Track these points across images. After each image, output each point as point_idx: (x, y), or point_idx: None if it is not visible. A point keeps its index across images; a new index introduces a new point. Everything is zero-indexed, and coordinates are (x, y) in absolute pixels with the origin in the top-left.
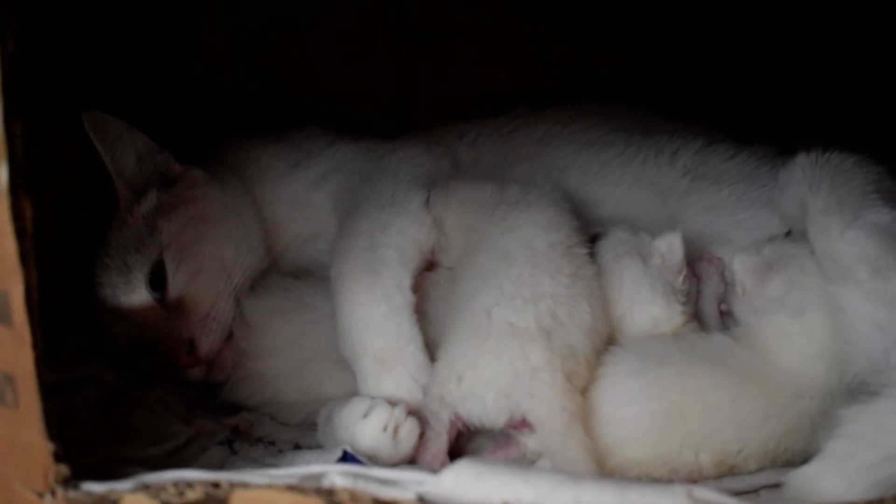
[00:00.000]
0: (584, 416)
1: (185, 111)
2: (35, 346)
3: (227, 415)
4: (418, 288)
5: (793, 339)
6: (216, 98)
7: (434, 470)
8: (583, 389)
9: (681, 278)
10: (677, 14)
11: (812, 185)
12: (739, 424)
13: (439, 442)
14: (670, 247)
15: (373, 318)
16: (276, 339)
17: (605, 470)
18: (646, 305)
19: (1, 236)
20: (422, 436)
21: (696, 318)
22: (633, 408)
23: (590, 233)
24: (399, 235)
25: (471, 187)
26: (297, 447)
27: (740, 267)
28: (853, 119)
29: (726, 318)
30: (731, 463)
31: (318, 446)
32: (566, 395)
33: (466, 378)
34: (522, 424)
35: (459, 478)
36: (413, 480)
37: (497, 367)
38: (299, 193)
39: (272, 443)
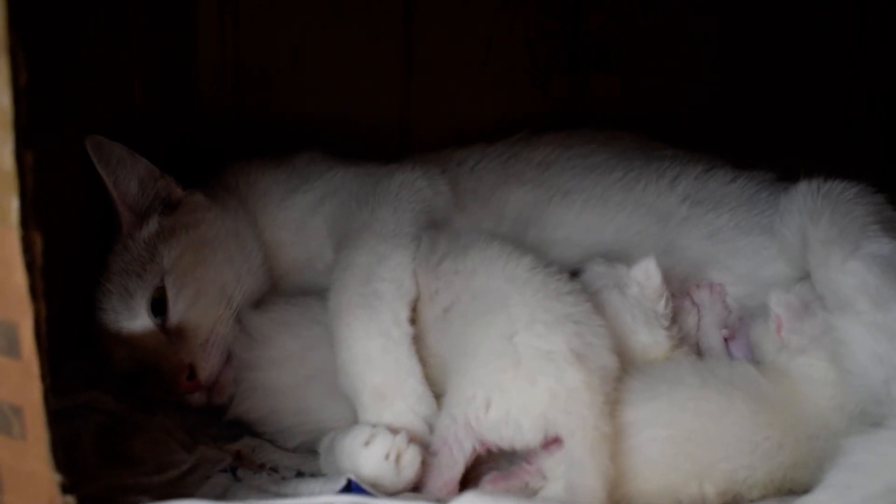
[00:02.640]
0: (615, 446)
1: (187, 146)
2: (43, 378)
3: (229, 441)
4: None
5: (825, 383)
6: (218, 128)
7: (442, 499)
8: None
9: (662, 303)
10: (678, 40)
11: (812, 215)
12: (751, 451)
13: (455, 470)
14: (647, 273)
15: (370, 352)
16: (281, 351)
17: (611, 502)
18: (630, 335)
19: (11, 269)
20: (424, 463)
21: (697, 344)
22: (641, 436)
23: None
24: (396, 269)
25: (421, 250)
26: (300, 474)
27: (778, 303)
28: (860, 118)
29: (731, 345)
30: (736, 491)
31: (320, 473)
32: (602, 417)
33: (497, 404)
34: (555, 441)
35: None
36: None
37: (533, 391)
38: (298, 217)
39: (275, 469)
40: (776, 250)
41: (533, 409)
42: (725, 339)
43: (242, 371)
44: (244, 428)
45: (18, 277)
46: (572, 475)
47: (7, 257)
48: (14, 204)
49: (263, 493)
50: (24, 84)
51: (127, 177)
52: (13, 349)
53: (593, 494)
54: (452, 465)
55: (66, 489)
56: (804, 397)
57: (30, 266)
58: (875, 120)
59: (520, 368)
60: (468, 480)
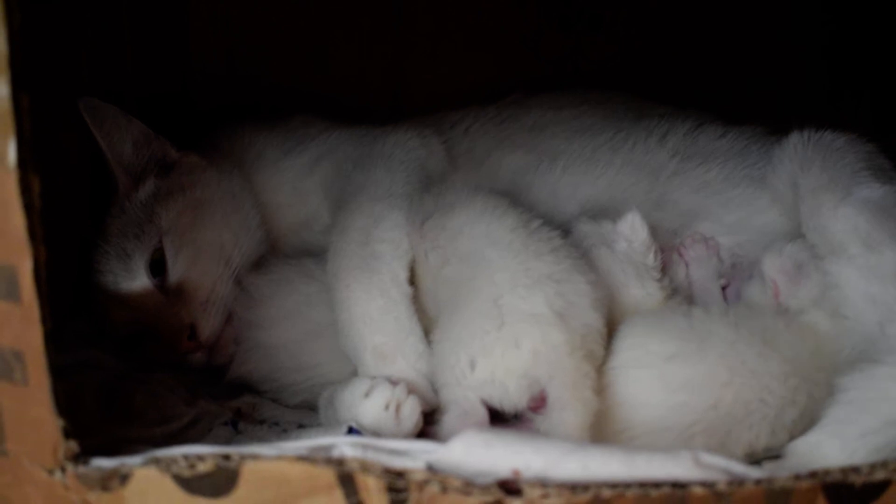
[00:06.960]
0: (599, 389)
1: (181, 100)
2: (44, 321)
3: (229, 398)
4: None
5: (830, 337)
6: (211, 89)
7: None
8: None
9: (651, 255)
10: (670, 1)
11: (803, 163)
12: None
13: (478, 416)
14: (632, 227)
15: (370, 313)
16: (280, 309)
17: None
18: (622, 289)
19: (9, 211)
20: (423, 415)
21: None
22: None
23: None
24: (393, 230)
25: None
26: (302, 427)
27: (771, 267)
28: (847, 101)
29: (727, 292)
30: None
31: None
32: (583, 360)
33: (481, 365)
34: (542, 402)
35: (469, 446)
36: (422, 450)
37: (517, 353)
38: (293, 179)
39: (276, 423)
40: (768, 201)
41: (517, 370)
42: (723, 288)
43: (244, 330)
44: (244, 387)
45: (17, 220)
46: (553, 412)
47: (5, 200)
48: (11, 146)
49: (266, 443)
50: (18, 25)
51: (121, 138)
52: (13, 293)
53: (574, 425)
54: (474, 412)
55: (69, 434)
56: (813, 350)
57: (28, 208)
58: (863, 96)
59: (503, 330)
60: None
